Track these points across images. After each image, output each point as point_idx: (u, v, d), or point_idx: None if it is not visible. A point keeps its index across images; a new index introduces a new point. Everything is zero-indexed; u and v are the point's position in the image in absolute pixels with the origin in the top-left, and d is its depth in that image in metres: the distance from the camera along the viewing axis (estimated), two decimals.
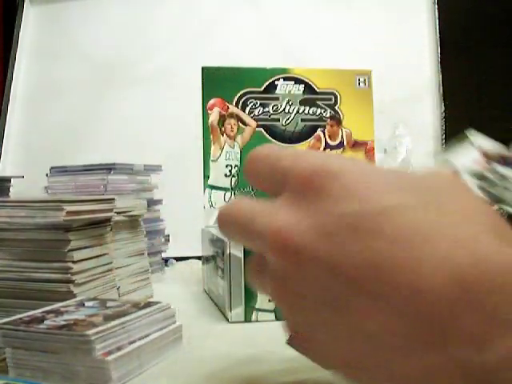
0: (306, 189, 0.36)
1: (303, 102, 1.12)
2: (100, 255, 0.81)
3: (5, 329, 0.58)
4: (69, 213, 0.73)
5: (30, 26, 1.82)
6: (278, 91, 1.11)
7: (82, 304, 0.67)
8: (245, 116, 1.10)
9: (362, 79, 1.14)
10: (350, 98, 1.13)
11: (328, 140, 1.12)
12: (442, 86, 1.61)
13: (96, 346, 0.54)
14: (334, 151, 1.12)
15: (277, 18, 1.70)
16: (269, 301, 0.82)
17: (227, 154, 1.08)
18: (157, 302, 0.67)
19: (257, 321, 0.82)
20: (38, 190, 1.16)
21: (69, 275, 0.73)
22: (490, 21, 1.90)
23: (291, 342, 0.39)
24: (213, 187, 1.08)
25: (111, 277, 0.83)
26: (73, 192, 1.10)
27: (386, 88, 1.31)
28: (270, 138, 1.10)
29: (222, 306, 0.87)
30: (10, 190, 1.10)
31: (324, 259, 0.33)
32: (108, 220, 0.83)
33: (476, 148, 0.76)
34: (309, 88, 1.12)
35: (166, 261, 1.29)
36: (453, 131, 1.64)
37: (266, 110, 1.10)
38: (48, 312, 0.63)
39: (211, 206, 1.07)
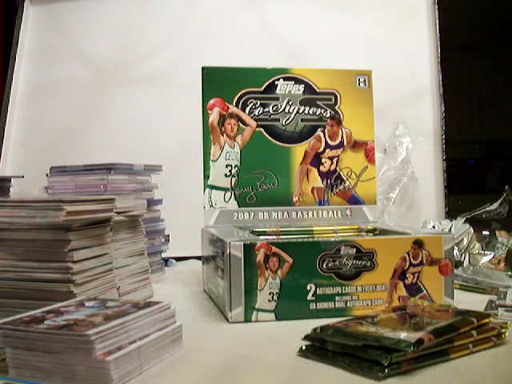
0: None
1: (303, 102, 1.12)
2: (100, 255, 0.81)
3: (5, 329, 0.58)
4: (69, 213, 0.73)
5: (30, 26, 1.82)
6: (278, 91, 1.11)
7: (81, 304, 0.67)
8: (245, 116, 1.10)
9: (361, 79, 1.14)
10: (350, 98, 1.13)
11: (328, 140, 1.12)
12: (442, 86, 1.61)
13: (96, 346, 0.54)
14: (333, 151, 1.12)
15: (277, 17, 1.70)
16: (269, 301, 0.82)
17: (227, 154, 1.08)
18: (157, 302, 0.67)
19: (257, 321, 0.82)
20: (37, 190, 1.15)
21: (69, 275, 0.73)
22: (490, 21, 1.91)
23: None
24: (213, 187, 1.08)
25: (111, 277, 0.83)
26: (73, 192, 1.10)
27: (386, 88, 1.31)
28: (270, 138, 1.10)
29: (221, 306, 0.87)
30: (10, 190, 1.10)
31: None
32: (108, 220, 0.83)
33: None
34: (309, 88, 1.12)
35: (166, 261, 1.29)
36: (453, 131, 1.64)
37: (266, 110, 1.10)
38: (48, 312, 0.63)
39: (211, 206, 1.07)
